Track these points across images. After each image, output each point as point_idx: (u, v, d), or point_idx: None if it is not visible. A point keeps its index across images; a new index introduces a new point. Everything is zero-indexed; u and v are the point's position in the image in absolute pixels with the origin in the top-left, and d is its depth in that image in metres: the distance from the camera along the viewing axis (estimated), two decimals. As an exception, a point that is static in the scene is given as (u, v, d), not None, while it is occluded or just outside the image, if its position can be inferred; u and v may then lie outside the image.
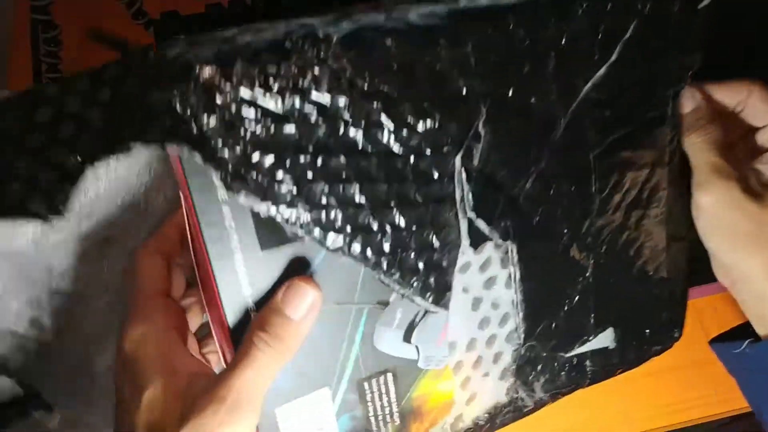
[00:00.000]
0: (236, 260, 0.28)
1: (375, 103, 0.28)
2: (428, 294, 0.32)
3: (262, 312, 0.28)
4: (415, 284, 0.31)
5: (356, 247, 0.29)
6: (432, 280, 0.32)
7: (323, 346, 0.31)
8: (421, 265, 0.31)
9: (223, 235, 0.27)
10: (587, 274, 0.36)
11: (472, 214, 0.32)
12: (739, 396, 0.49)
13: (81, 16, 0.61)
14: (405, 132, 0.29)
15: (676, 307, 0.41)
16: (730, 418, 0.50)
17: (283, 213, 0.27)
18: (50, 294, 0.34)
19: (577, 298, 0.36)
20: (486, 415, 0.37)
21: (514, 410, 0.38)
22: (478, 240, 0.33)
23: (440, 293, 0.33)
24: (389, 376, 0.33)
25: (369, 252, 0.30)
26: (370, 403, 0.33)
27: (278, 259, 0.29)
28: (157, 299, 0.30)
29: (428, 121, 0.29)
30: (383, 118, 0.28)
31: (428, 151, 0.30)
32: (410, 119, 0.29)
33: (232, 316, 0.28)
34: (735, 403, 0.49)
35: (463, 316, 0.34)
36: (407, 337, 0.33)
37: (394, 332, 0.33)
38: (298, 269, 0.29)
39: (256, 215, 0.27)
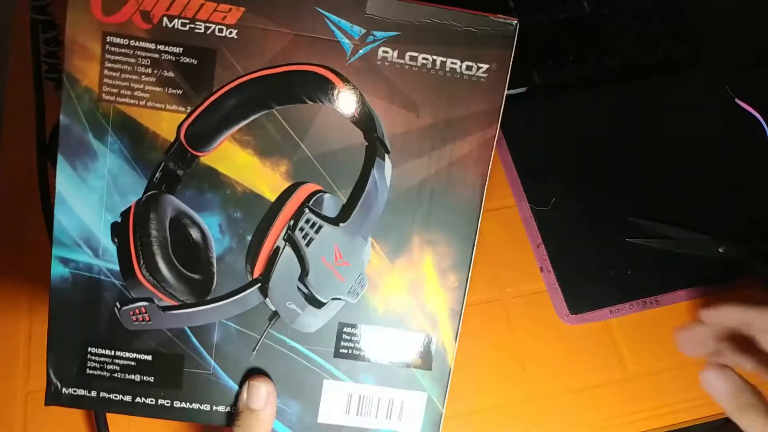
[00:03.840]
0: None
1: None
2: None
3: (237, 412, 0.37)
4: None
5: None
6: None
7: (290, 372, 0.37)
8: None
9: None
10: None
11: None
12: (738, 396, 0.50)
13: (81, 16, 0.61)
14: None
15: None
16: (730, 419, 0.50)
17: None
18: None
19: None
20: None
21: None
22: None
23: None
24: (349, 328, 0.37)
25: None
26: (364, 352, 0.37)
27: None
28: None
29: None
30: None
31: None
32: None
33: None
34: (735, 403, 0.49)
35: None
36: (319, 305, 0.36)
37: (307, 314, 0.36)
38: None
39: None
